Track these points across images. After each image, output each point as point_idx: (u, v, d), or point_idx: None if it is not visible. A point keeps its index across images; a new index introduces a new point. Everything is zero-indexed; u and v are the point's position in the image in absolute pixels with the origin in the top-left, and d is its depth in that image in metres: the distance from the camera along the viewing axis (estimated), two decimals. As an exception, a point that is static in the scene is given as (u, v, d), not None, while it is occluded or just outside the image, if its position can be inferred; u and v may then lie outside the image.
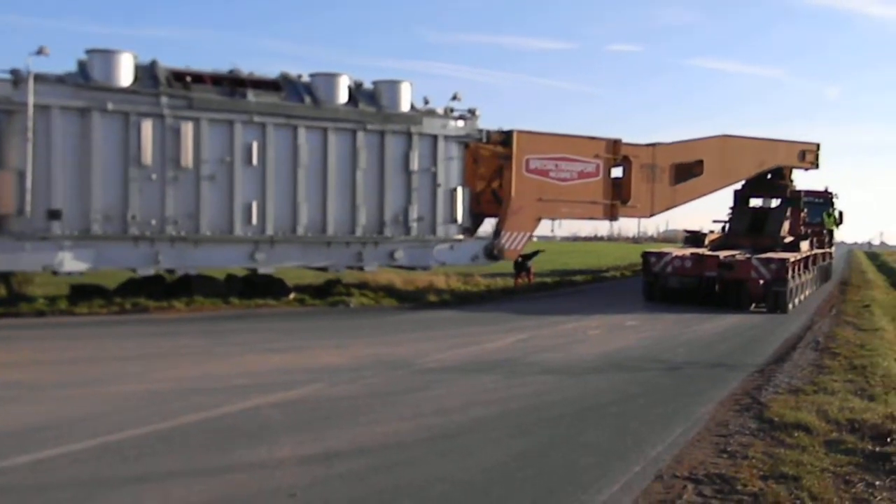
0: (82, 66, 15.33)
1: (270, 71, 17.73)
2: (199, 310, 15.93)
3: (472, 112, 19.13)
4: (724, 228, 25.91)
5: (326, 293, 18.38)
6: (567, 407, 8.44)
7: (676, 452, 6.83)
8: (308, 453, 6.46)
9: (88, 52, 15.43)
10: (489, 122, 23.78)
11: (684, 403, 8.72)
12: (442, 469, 6.19)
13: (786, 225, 24.81)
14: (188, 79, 16.08)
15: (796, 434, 7.33)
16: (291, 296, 17.75)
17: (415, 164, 18.16)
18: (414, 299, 19.32)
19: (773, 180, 26.28)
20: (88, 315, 14.87)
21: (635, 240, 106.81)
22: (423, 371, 10.19)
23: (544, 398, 8.84)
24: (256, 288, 17.49)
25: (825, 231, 29.98)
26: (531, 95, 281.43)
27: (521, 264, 25.09)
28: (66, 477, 5.77)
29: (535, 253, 26.23)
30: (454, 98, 18.93)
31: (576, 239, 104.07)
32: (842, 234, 34.04)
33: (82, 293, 15.97)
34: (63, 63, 15.57)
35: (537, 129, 21.10)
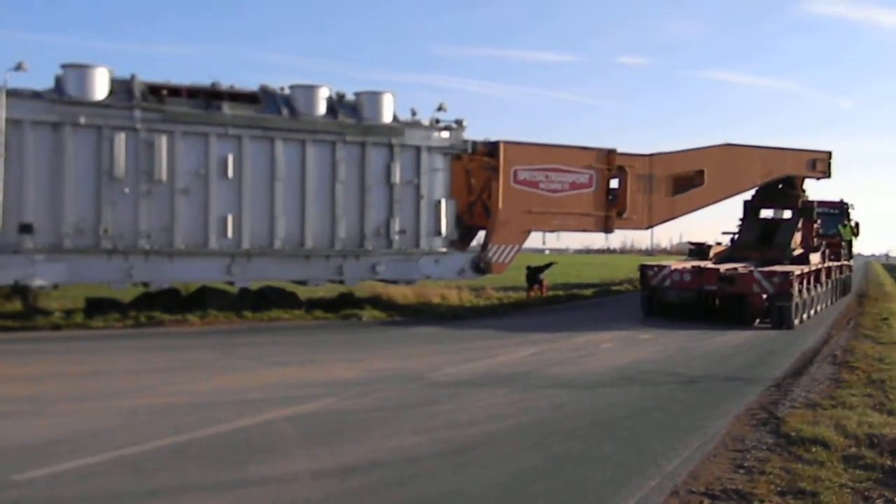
0: (58, 80, 15.37)
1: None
2: (213, 323, 16.00)
3: (458, 123, 18.77)
4: (732, 240, 25.13)
5: (339, 307, 18.41)
6: (581, 421, 8.39)
7: (692, 467, 6.76)
8: (322, 467, 6.45)
9: (63, 66, 15.43)
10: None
11: (700, 417, 8.65)
12: (455, 483, 6.16)
13: (797, 237, 24.05)
14: (164, 92, 16.04)
15: (814, 449, 7.25)
16: (303, 309, 17.79)
17: (396, 176, 17.86)
18: (426, 313, 19.31)
19: (784, 190, 25.48)
20: (104, 328, 14.97)
21: (648, 252, 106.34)
22: (436, 385, 10.16)
23: (558, 412, 8.80)
24: (270, 301, 17.57)
25: (843, 243, 29.42)
26: (540, 108, 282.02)
27: (534, 277, 25.01)
28: (81, 491, 5.79)
29: (548, 265, 26.18)
30: (439, 109, 18.59)
31: (588, 251, 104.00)
32: (859, 246, 33.40)
33: (98, 307, 16.09)
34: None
35: (534, 140, 20.74)
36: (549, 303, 24.05)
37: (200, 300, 16.87)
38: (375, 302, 19.51)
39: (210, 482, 6.07)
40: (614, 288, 31.22)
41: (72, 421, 7.82)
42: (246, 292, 17.73)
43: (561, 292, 27.13)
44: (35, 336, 14.02)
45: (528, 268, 25.27)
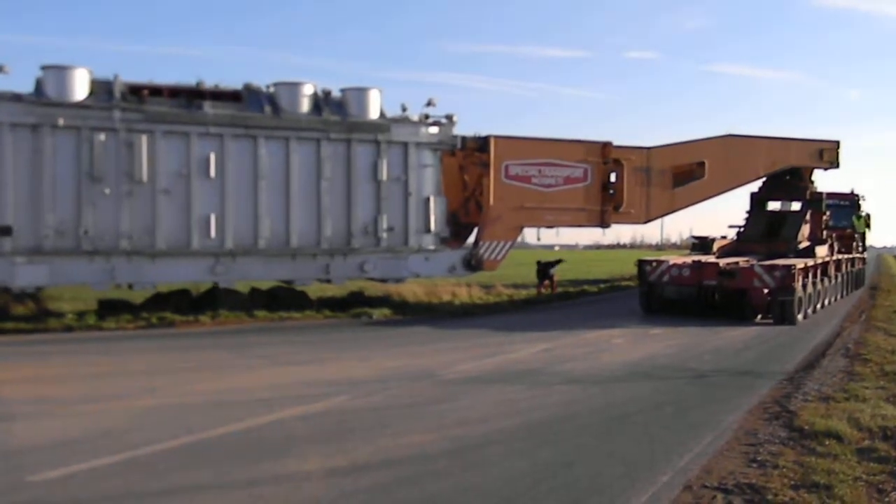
0: (38, 82, 15.34)
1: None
2: (225, 323, 16.07)
3: (448, 118, 18.48)
4: (738, 234, 24.58)
5: (349, 305, 18.45)
6: (593, 417, 8.39)
7: (705, 462, 6.75)
8: (334, 466, 6.47)
9: (43, 68, 15.39)
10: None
11: (712, 412, 8.63)
12: (467, 480, 6.17)
13: (805, 229, 23.44)
14: (145, 92, 15.95)
15: (827, 442, 7.23)
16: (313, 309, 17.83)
17: (384, 173, 17.61)
18: (436, 310, 19.34)
19: (791, 182, 24.89)
20: (116, 330, 15.07)
21: (658, 247, 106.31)
22: (447, 382, 10.18)
23: (569, 408, 8.79)
24: (280, 301, 17.63)
25: (856, 235, 29.03)
26: (551, 105, 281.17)
27: (544, 272, 24.95)
28: (95, 491, 5.83)
29: (558, 261, 26.11)
30: (428, 104, 18.28)
31: (598, 247, 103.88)
32: (870, 238, 33.02)
33: (110, 308, 16.20)
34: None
35: (525, 133, 20.17)
36: (560, 299, 24.03)
37: (211, 300, 16.95)
38: (386, 300, 19.54)
39: (223, 481, 6.10)
40: (624, 283, 31.15)
41: (85, 422, 7.87)
42: (256, 292, 17.80)
43: (571, 288, 27.11)
44: (48, 338, 14.12)
45: (539, 262, 25.25)
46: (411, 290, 20.83)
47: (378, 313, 17.96)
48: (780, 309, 17.57)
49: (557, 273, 25.70)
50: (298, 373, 10.87)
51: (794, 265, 17.97)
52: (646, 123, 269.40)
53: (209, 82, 16.87)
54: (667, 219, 23.59)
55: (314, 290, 18.81)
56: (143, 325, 15.44)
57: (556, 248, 55.79)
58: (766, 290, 17.79)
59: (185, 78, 16.76)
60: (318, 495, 5.77)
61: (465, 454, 6.88)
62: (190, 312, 16.28)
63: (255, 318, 16.61)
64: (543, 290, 24.67)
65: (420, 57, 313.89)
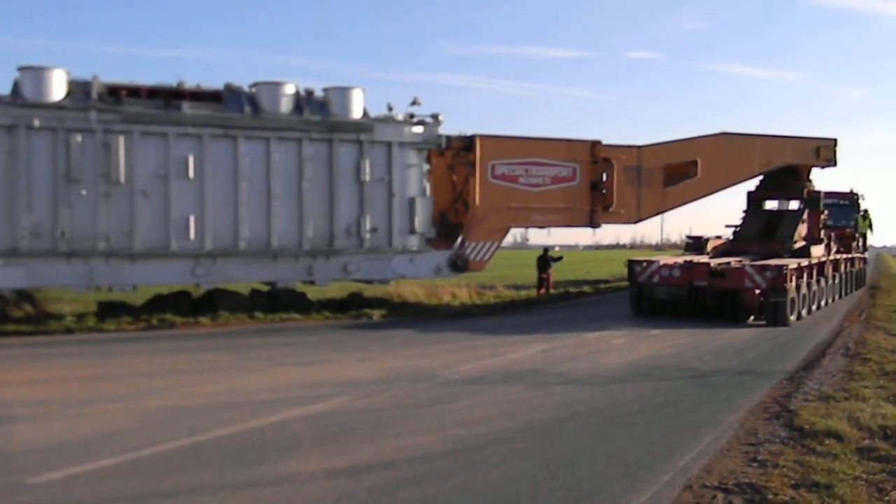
0: (16, 83, 15.25)
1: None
2: (225, 325, 16.08)
3: (434, 117, 18.26)
4: (734, 233, 24.23)
5: (349, 307, 18.46)
6: (593, 417, 8.40)
7: (706, 462, 6.76)
8: (335, 467, 6.48)
9: (20, 69, 15.31)
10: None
11: (712, 412, 8.64)
12: (469, 481, 6.18)
13: (802, 228, 23.12)
14: (123, 93, 15.84)
15: (827, 442, 7.24)
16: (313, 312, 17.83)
17: (366, 173, 17.38)
18: (437, 311, 19.34)
19: (789, 180, 24.49)
20: (116, 331, 15.07)
21: (658, 247, 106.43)
22: (448, 383, 10.19)
23: (570, 408, 8.80)
24: (280, 302, 17.63)
25: (857, 234, 28.81)
26: (548, 105, 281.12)
27: (545, 264, 24.80)
28: (97, 493, 5.84)
29: (559, 258, 26.04)
30: (413, 103, 18.10)
31: (598, 247, 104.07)
32: (871, 238, 32.80)
33: (110, 310, 16.20)
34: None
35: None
36: (560, 299, 24.04)
37: (212, 302, 16.96)
38: (386, 301, 19.55)
39: (225, 483, 6.11)
40: (623, 284, 31.08)
41: (86, 424, 7.88)
42: (256, 293, 17.80)
43: (571, 289, 27.12)
44: (48, 340, 14.12)
45: (545, 249, 25.07)
46: (411, 291, 20.85)
47: (378, 314, 17.97)
48: (773, 310, 17.23)
49: (554, 272, 25.64)
50: (299, 374, 10.88)
51: (787, 265, 17.65)
52: (646, 124, 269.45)
53: (197, 83, 16.81)
54: (667, 218, 23.48)
55: (314, 292, 18.83)
56: (143, 326, 15.45)
57: (557, 248, 55.89)
58: (757, 291, 17.43)
59: (176, 80, 16.48)
60: (320, 496, 5.78)
61: (467, 455, 6.89)
62: (190, 314, 16.28)
63: (255, 319, 16.62)
64: (542, 291, 24.65)
65: (420, 58, 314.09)
